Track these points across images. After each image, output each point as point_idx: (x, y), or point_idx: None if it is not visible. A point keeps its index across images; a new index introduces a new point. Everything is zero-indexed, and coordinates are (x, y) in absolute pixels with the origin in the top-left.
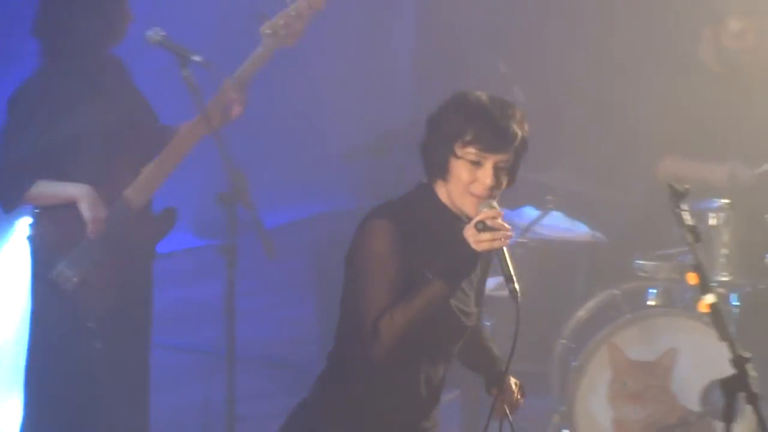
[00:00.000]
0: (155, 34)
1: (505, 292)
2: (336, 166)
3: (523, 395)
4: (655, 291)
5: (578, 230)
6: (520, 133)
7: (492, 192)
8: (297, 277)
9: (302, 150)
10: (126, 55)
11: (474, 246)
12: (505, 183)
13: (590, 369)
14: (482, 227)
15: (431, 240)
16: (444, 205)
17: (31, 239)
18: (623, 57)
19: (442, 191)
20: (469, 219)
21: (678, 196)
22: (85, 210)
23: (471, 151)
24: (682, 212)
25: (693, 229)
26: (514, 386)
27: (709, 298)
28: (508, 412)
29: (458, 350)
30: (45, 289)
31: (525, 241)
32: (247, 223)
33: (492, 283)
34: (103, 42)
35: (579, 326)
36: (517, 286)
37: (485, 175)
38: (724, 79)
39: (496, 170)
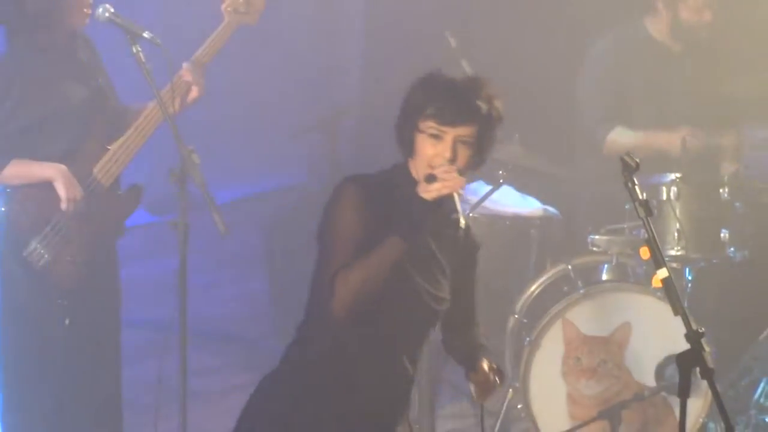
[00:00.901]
0: (104, 11)
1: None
2: (288, 141)
3: (501, 377)
4: (607, 266)
5: (530, 205)
6: (485, 107)
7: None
8: (249, 252)
9: (254, 126)
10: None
11: (424, 195)
12: (468, 158)
13: (544, 344)
14: (432, 179)
15: (400, 213)
16: (412, 179)
17: (2, 218)
18: (573, 28)
19: (414, 169)
20: None
21: (630, 169)
22: (61, 189)
23: (431, 125)
24: (635, 186)
25: (645, 204)
26: (488, 369)
27: (662, 273)
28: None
29: (446, 344)
30: (16, 265)
31: (476, 216)
32: (200, 199)
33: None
34: (60, 20)
35: (532, 301)
36: (462, 220)
37: (444, 148)
38: (676, 52)
39: (457, 144)
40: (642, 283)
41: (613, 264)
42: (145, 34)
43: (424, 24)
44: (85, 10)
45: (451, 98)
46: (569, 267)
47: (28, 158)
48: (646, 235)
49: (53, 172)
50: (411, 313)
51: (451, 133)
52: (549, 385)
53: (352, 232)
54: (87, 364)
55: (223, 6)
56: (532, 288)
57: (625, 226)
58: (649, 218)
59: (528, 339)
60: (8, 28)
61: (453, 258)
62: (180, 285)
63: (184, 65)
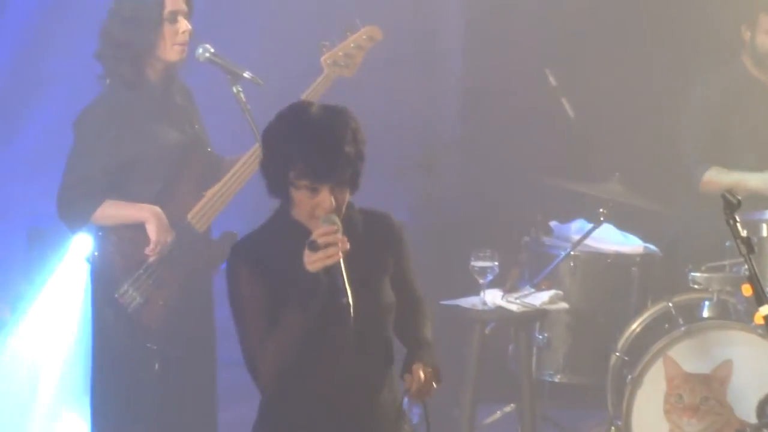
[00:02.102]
0: (204, 51)
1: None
2: (389, 182)
3: (437, 381)
4: (708, 303)
5: (631, 242)
6: (353, 150)
7: (337, 210)
8: None
9: None
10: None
11: (308, 267)
12: (347, 196)
13: (645, 382)
14: (314, 247)
15: (291, 259)
16: (297, 222)
17: (94, 259)
18: (674, 66)
19: (294, 210)
20: None
21: (731, 207)
22: (153, 232)
23: (305, 183)
24: (736, 223)
25: (747, 241)
26: (421, 372)
27: (765, 310)
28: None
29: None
30: (108, 308)
31: (577, 254)
32: None
33: (546, 296)
34: (147, 54)
35: (633, 339)
36: (350, 300)
37: (324, 200)
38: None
39: (335, 190)
40: (743, 320)
41: (714, 301)
42: (246, 74)
43: (524, 60)
44: (177, 45)
45: (320, 153)
46: (670, 304)
47: (122, 199)
48: (748, 272)
49: (147, 214)
50: (332, 331)
51: (327, 185)
52: (651, 423)
53: (251, 306)
54: (180, 409)
55: (323, 58)
56: (634, 326)
57: (726, 263)
58: (750, 255)
59: (630, 376)
60: (106, 68)
61: (371, 262)
62: None
63: None
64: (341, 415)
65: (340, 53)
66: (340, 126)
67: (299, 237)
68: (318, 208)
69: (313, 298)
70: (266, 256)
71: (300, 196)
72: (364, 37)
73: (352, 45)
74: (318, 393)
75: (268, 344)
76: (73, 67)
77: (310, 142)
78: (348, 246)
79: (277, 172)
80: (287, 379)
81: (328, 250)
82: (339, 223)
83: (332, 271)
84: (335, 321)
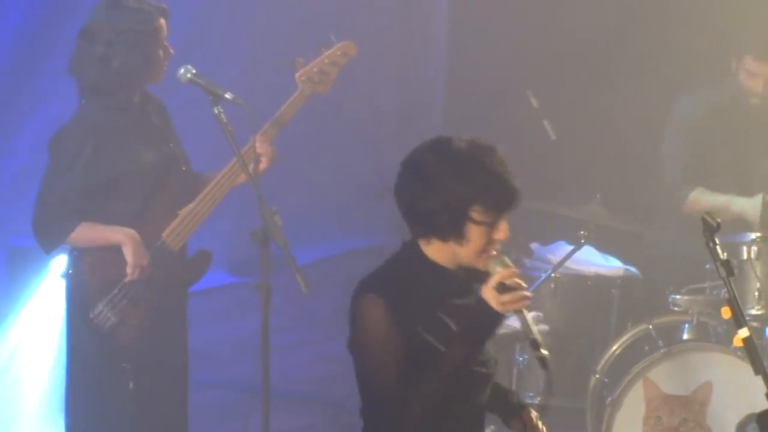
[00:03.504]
0: (186, 71)
1: (540, 327)
2: (370, 202)
3: (544, 426)
4: (688, 325)
5: (611, 265)
6: (518, 183)
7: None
8: (330, 312)
9: (336, 186)
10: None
11: (498, 308)
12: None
13: (625, 404)
14: (502, 288)
15: (425, 301)
16: (434, 263)
17: (68, 278)
18: (656, 87)
19: (430, 248)
20: (466, 271)
21: (711, 229)
22: (129, 254)
23: (487, 218)
24: (716, 246)
25: (726, 263)
26: (534, 418)
27: (744, 332)
28: None
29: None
30: (82, 328)
31: (558, 276)
32: (281, 261)
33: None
34: (142, 78)
35: (613, 361)
36: (545, 352)
37: (503, 232)
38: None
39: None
40: (723, 342)
41: (694, 323)
42: (227, 95)
43: (504, 84)
44: (163, 69)
45: (504, 189)
46: (650, 327)
47: (98, 219)
48: (727, 295)
49: (122, 237)
50: (472, 389)
51: (504, 218)
52: None
53: (392, 348)
54: (153, 428)
55: (297, 75)
56: (614, 347)
57: (706, 285)
58: (730, 278)
59: (609, 398)
60: (83, 86)
61: None
62: (263, 345)
63: (256, 137)
64: None
65: (315, 69)
66: (501, 155)
67: (435, 278)
68: (494, 242)
69: (479, 339)
70: (399, 296)
71: (479, 234)
72: (338, 53)
73: (326, 61)
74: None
75: (424, 382)
76: (58, 88)
77: (500, 177)
78: (532, 296)
79: (458, 211)
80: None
81: (517, 294)
82: (512, 265)
83: (518, 317)
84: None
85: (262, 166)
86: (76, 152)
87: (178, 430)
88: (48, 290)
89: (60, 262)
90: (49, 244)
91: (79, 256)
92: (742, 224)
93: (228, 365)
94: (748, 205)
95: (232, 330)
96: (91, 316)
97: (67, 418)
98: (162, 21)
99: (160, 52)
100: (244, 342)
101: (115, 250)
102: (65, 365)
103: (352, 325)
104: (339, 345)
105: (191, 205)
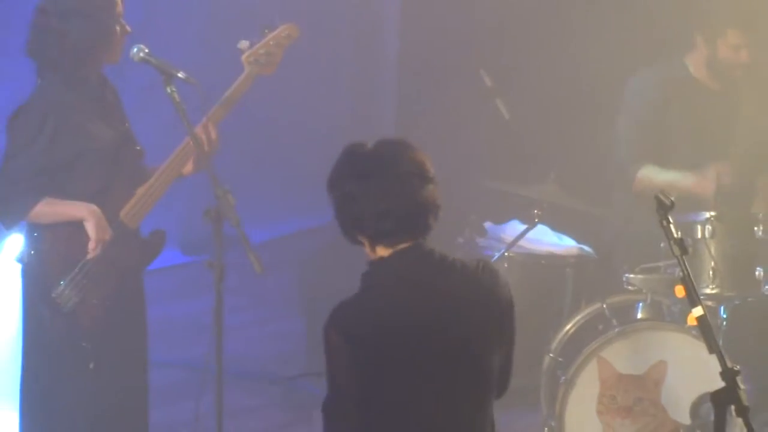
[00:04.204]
0: (139, 50)
1: None
2: (321, 181)
3: None
4: (642, 304)
5: (565, 244)
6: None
7: None
8: (284, 291)
9: (287, 165)
10: (110, 73)
11: None
12: None
13: (579, 383)
14: None
15: None
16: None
17: (28, 258)
18: (611, 65)
19: None
20: None
21: (665, 208)
22: (92, 229)
23: (381, 247)
24: (670, 225)
25: (680, 242)
26: None
27: (698, 311)
28: None
29: None
30: (43, 307)
31: (512, 255)
32: (233, 239)
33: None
34: (99, 53)
35: (567, 340)
36: None
37: None
38: (714, 90)
39: None
40: (677, 321)
41: (648, 302)
42: (180, 74)
43: (459, 61)
44: (121, 46)
45: (407, 220)
46: (604, 306)
47: (59, 197)
48: (681, 274)
49: (85, 212)
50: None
51: None
52: (584, 424)
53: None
54: (112, 408)
55: (243, 57)
56: (567, 327)
57: (660, 264)
58: (684, 257)
59: (563, 378)
60: (41, 64)
61: None
62: (216, 324)
63: (198, 127)
64: None
65: (261, 51)
66: (424, 179)
67: None
68: None
69: None
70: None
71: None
72: (283, 34)
73: (271, 43)
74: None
75: None
76: (12, 70)
77: (396, 205)
78: None
79: (349, 227)
80: None
81: None
82: None
83: None
84: None
85: (207, 149)
86: (36, 130)
87: (138, 410)
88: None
89: (12, 243)
90: (10, 219)
91: (39, 236)
92: (694, 202)
93: (181, 344)
94: (700, 183)
95: (186, 309)
96: (53, 295)
97: (23, 400)
98: None
99: (117, 28)
100: (197, 321)
101: (77, 227)
102: (21, 348)
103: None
104: (292, 324)
105: (147, 184)
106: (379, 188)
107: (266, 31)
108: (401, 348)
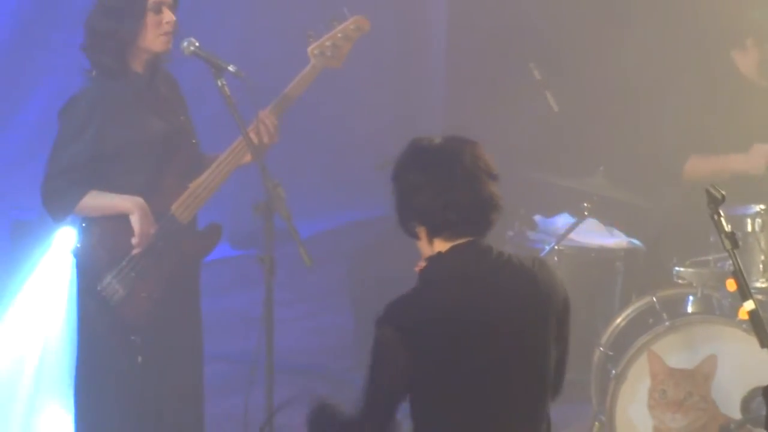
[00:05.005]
0: (189, 44)
1: None
2: (371, 174)
3: None
4: (693, 298)
5: (615, 237)
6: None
7: None
8: (333, 285)
9: (337, 158)
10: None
11: None
12: None
13: (629, 377)
14: None
15: None
16: None
17: (77, 250)
18: (660, 60)
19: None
20: None
21: (716, 201)
22: (136, 223)
23: (445, 238)
24: (721, 218)
25: (731, 236)
26: None
27: (749, 305)
28: None
29: None
30: (91, 300)
31: (561, 248)
32: (284, 233)
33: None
34: (128, 42)
35: (617, 334)
36: None
37: None
38: (763, 87)
39: None
40: (728, 315)
41: (699, 296)
42: (230, 68)
43: (507, 54)
44: (161, 36)
45: (470, 214)
46: (654, 299)
47: (106, 189)
48: (732, 267)
49: (131, 205)
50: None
51: None
52: (635, 418)
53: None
54: (166, 402)
55: (309, 48)
56: (618, 320)
57: (711, 258)
58: (735, 250)
59: (614, 372)
60: (89, 58)
61: None
62: (266, 318)
63: (262, 113)
64: None
65: (327, 43)
66: (487, 176)
67: None
68: None
69: None
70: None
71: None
72: (351, 27)
73: (339, 35)
74: None
75: None
76: (61, 61)
77: (461, 198)
78: None
79: (413, 216)
80: None
81: None
82: None
83: None
84: None
85: (267, 141)
86: (84, 121)
87: (193, 403)
88: (51, 264)
89: (63, 236)
90: (58, 212)
91: (87, 228)
92: (748, 190)
93: (231, 338)
94: (746, 161)
95: (235, 303)
96: (99, 288)
97: (76, 392)
98: None
99: (149, 17)
100: (246, 315)
101: (124, 220)
102: (76, 338)
103: None
104: (341, 318)
105: (201, 178)
106: (445, 179)
107: (335, 22)
108: (458, 344)
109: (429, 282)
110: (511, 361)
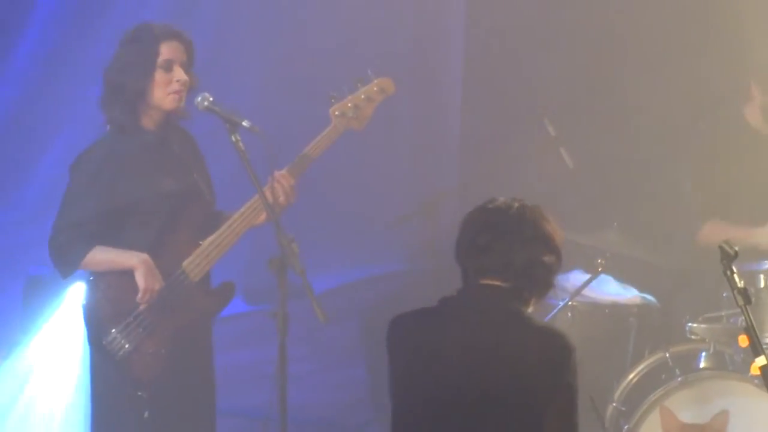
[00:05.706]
0: (203, 99)
1: None
2: (385, 228)
3: None
4: (705, 353)
5: (628, 293)
6: None
7: None
8: (347, 340)
9: (351, 213)
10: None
11: None
12: None
13: None
14: None
15: None
16: None
17: (86, 305)
18: (670, 117)
19: None
20: None
21: (729, 258)
22: (140, 279)
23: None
24: (733, 274)
25: (744, 291)
26: None
27: (761, 360)
28: None
29: None
30: (98, 354)
31: (575, 304)
32: (298, 289)
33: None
34: (136, 99)
35: (630, 389)
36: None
37: None
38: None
39: None
40: (740, 371)
41: (711, 352)
42: (245, 123)
43: (523, 110)
44: (171, 94)
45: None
46: (667, 355)
47: (113, 245)
48: (745, 323)
49: (135, 261)
50: None
51: None
52: None
53: None
54: None
55: (331, 110)
56: (631, 376)
57: (723, 314)
58: (747, 306)
59: (626, 426)
60: (105, 112)
61: None
62: (280, 373)
63: (278, 173)
64: None
65: (350, 105)
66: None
67: None
68: None
69: None
70: None
71: None
72: (375, 89)
73: (362, 96)
74: None
75: None
76: (78, 115)
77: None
78: None
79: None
80: None
81: None
82: None
83: None
84: None
85: (283, 201)
86: (93, 176)
87: None
88: (63, 318)
89: (76, 291)
90: (64, 267)
91: (94, 282)
92: (758, 252)
93: (244, 393)
94: (764, 234)
95: (249, 358)
96: (104, 342)
97: None
98: (163, 46)
99: (158, 74)
100: (260, 370)
101: (130, 276)
102: (90, 393)
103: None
104: (356, 372)
105: (213, 236)
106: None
107: (359, 84)
108: (419, 369)
109: (436, 305)
110: (470, 407)
